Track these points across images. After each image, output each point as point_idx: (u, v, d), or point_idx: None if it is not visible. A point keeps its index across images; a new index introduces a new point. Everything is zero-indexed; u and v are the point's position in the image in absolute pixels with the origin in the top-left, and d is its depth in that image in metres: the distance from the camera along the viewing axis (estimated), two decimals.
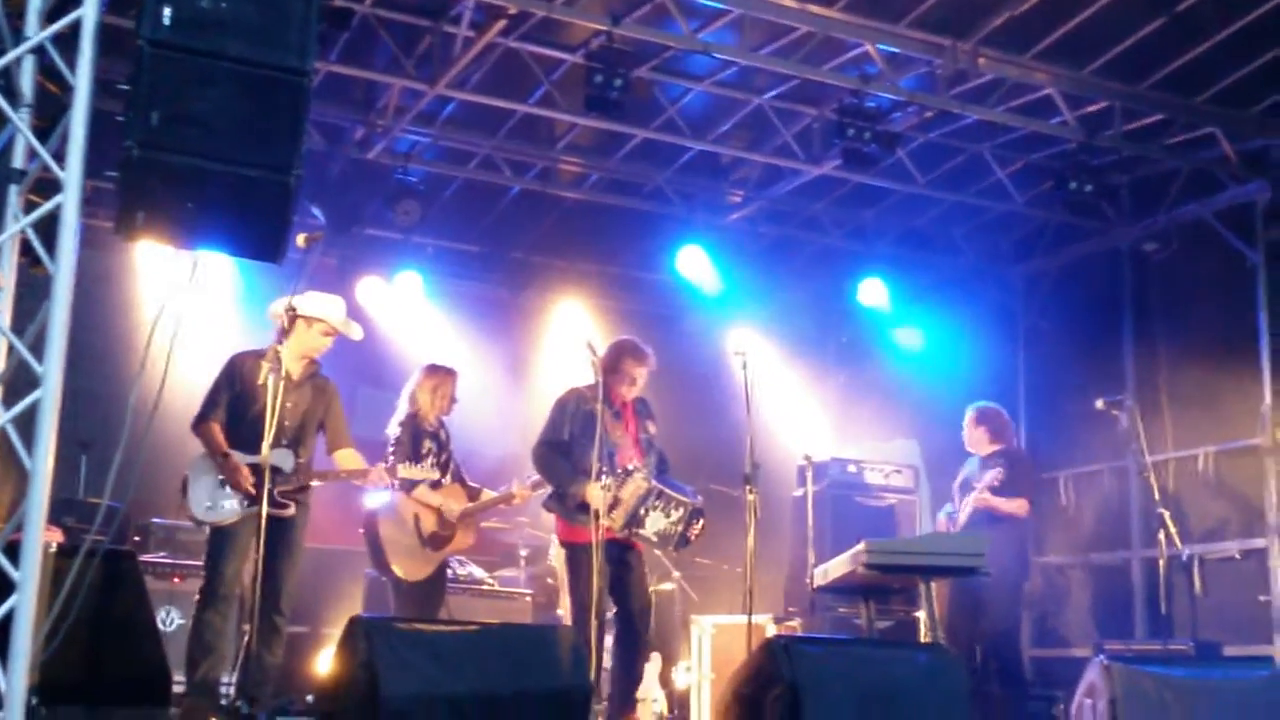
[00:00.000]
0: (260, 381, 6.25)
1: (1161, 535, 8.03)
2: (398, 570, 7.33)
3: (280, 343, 6.40)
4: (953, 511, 8.47)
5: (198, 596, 6.47)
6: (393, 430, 7.51)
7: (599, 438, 6.67)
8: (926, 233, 11.70)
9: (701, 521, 7.03)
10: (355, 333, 6.93)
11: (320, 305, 6.70)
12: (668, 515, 6.95)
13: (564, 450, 6.94)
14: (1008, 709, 8.27)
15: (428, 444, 7.41)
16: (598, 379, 6.93)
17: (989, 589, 7.90)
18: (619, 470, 6.77)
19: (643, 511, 6.87)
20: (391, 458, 7.24)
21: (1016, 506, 8.20)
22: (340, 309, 6.81)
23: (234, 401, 6.59)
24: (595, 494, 6.67)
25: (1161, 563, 8.03)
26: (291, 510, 6.50)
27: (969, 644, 8.16)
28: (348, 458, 6.91)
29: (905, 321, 12.01)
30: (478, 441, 7.58)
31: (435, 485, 7.44)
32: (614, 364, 7.06)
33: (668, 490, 6.99)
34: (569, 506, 7.00)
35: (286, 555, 6.48)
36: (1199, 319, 10.00)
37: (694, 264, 11.24)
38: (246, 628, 6.22)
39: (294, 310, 6.44)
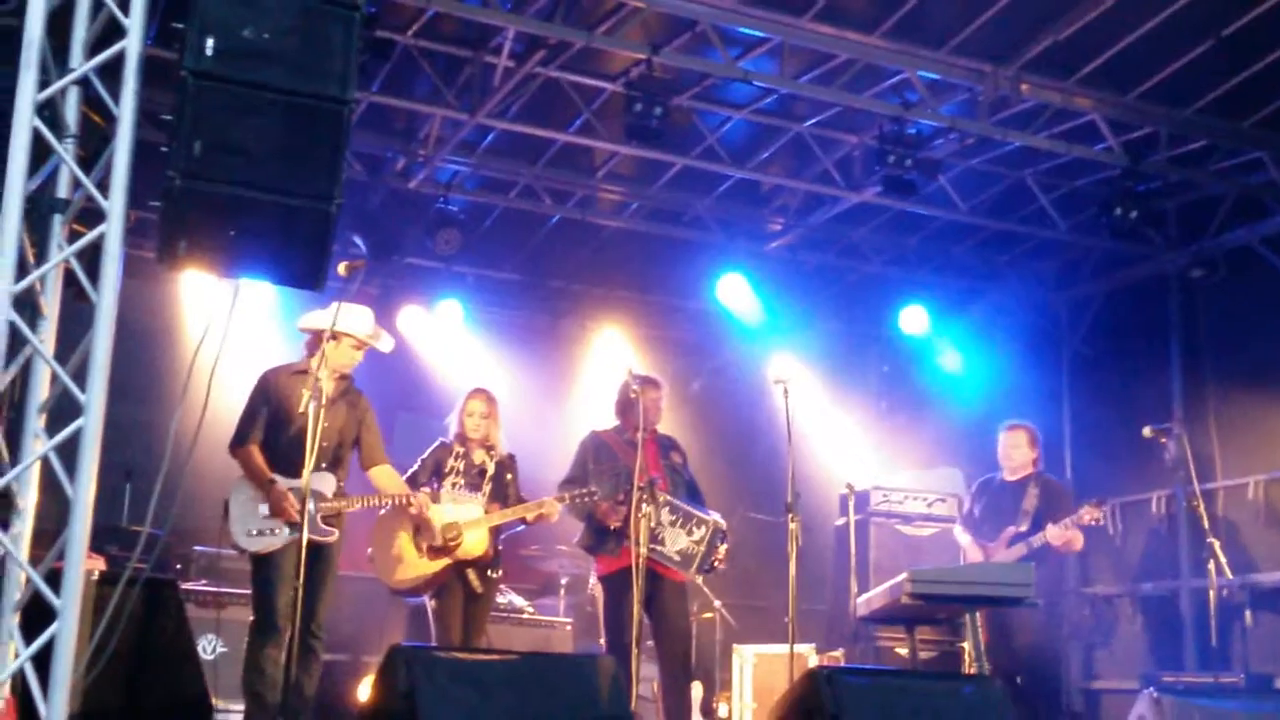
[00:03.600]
0: (301, 409, 6.23)
1: (1211, 565, 7.91)
2: (386, 579, 7.11)
3: (311, 358, 6.44)
4: (980, 535, 8.27)
5: (251, 630, 6.35)
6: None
7: (638, 468, 6.68)
8: (968, 260, 11.64)
9: (725, 545, 7.02)
10: (385, 344, 6.81)
11: (348, 319, 6.55)
12: (689, 534, 6.96)
13: (582, 484, 7.10)
14: None
15: (451, 464, 7.23)
16: (638, 404, 7.02)
17: (1029, 616, 7.80)
18: (642, 487, 6.76)
19: (655, 526, 6.84)
20: (411, 475, 7.14)
21: (1079, 542, 8.07)
22: (368, 321, 6.69)
23: (270, 421, 6.51)
24: (607, 510, 6.79)
25: (1211, 593, 7.90)
26: (336, 535, 6.47)
27: (1008, 671, 8.05)
28: (385, 475, 6.84)
29: (947, 349, 11.93)
30: (521, 466, 7.50)
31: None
32: (626, 400, 7.27)
33: (684, 506, 7.00)
34: (595, 534, 7.09)
35: (325, 580, 6.42)
36: (1247, 345, 9.86)
37: (734, 292, 11.24)
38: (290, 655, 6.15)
39: (322, 329, 6.38)
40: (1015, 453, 8.42)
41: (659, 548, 6.88)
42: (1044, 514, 8.12)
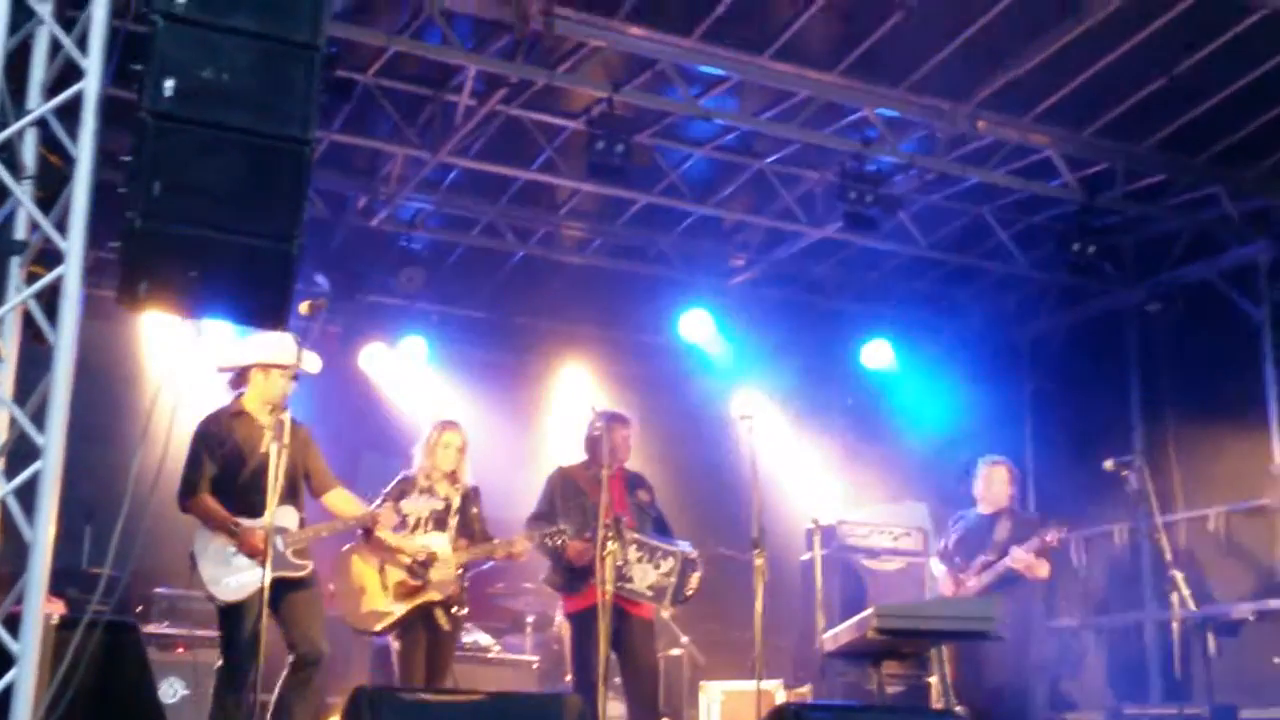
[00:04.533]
0: (262, 449, 6.17)
1: (1174, 597, 7.92)
2: (353, 622, 6.98)
3: (241, 398, 6.40)
4: (953, 566, 8.31)
5: (219, 674, 6.21)
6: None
7: (603, 505, 6.66)
8: (930, 294, 11.72)
9: (697, 574, 7.02)
10: (312, 365, 6.53)
11: (271, 349, 6.36)
12: (657, 567, 6.94)
13: (550, 520, 7.05)
14: None
15: (415, 498, 7.12)
16: (604, 442, 7.02)
17: (998, 648, 7.82)
18: (608, 524, 6.73)
19: (623, 564, 6.81)
20: (379, 504, 6.95)
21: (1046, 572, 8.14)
22: (291, 346, 6.36)
23: (220, 468, 6.35)
24: (578, 548, 6.75)
25: (1175, 625, 7.92)
26: (310, 567, 6.36)
27: (978, 706, 8.05)
28: (340, 498, 6.70)
29: (910, 383, 11.98)
30: (485, 506, 7.45)
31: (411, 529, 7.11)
32: (593, 442, 7.25)
33: (650, 541, 6.99)
34: (562, 573, 7.06)
35: (314, 611, 6.32)
36: (1206, 378, 9.96)
37: (698, 327, 11.29)
38: (265, 696, 6.04)
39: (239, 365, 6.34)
40: (996, 487, 8.47)
41: (628, 585, 6.85)
42: (1013, 543, 8.16)
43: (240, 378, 6.53)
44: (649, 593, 6.93)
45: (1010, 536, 8.18)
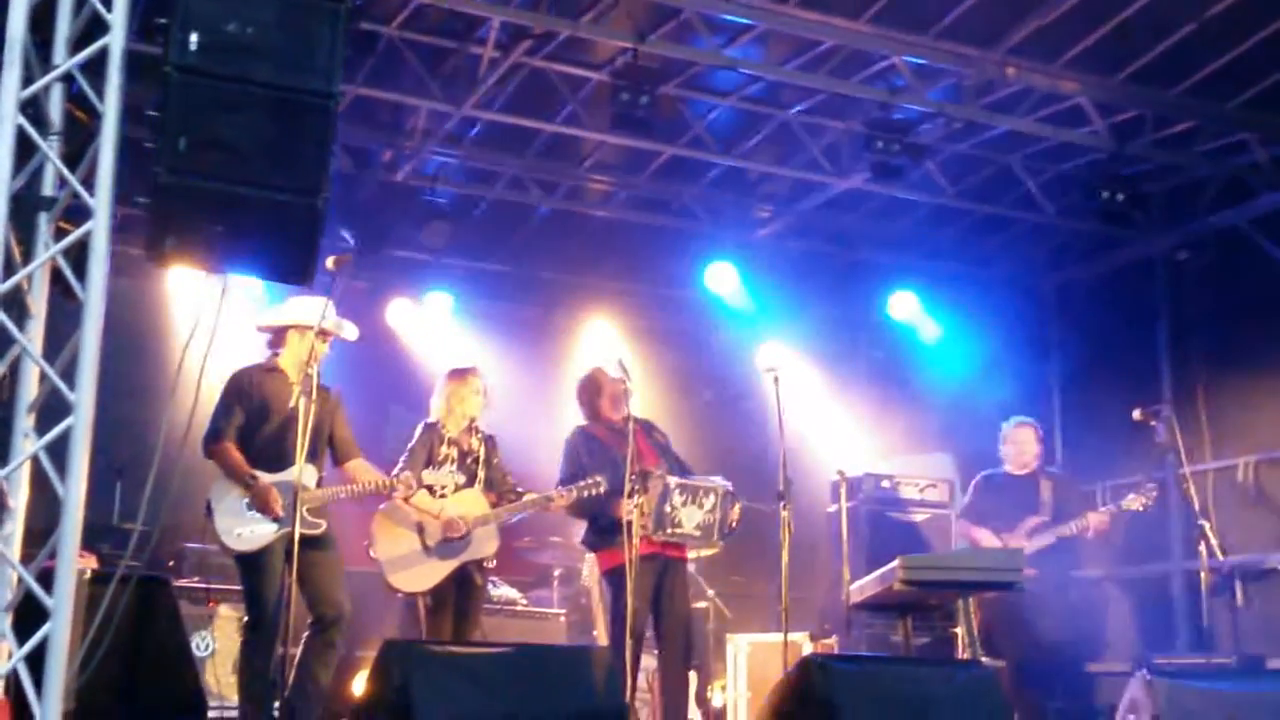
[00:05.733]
0: (291, 404, 6.22)
1: (1202, 547, 7.91)
2: (398, 584, 6.98)
3: (277, 356, 6.49)
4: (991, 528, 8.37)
5: (245, 629, 6.32)
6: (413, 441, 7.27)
7: (630, 456, 6.67)
8: (957, 245, 11.64)
9: (738, 505, 7.05)
10: (350, 332, 6.72)
11: (310, 312, 6.47)
12: (700, 506, 6.95)
13: (584, 478, 7.02)
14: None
15: (444, 451, 7.10)
16: (627, 397, 7.01)
17: (1045, 603, 7.93)
18: (634, 477, 6.74)
19: (669, 509, 6.84)
20: (402, 466, 6.96)
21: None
22: (330, 311, 6.53)
23: (247, 419, 6.46)
24: (626, 506, 6.69)
25: (1203, 575, 7.91)
26: (324, 526, 6.42)
27: (1032, 656, 8.10)
28: (360, 468, 6.77)
29: (936, 334, 11.94)
30: (509, 460, 7.46)
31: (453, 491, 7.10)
32: (593, 398, 7.29)
33: (689, 481, 6.99)
34: (602, 530, 7.04)
35: (326, 567, 6.37)
36: (1235, 327, 9.89)
37: (723, 281, 11.24)
38: (292, 650, 6.10)
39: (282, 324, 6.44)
40: (1026, 448, 8.55)
41: (678, 529, 6.86)
42: (1062, 503, 8.28)
43: (278, 338, 6.63)
44: (697, 533, 6.93)
45: (1055, 497, 8.26)
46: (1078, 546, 8.33)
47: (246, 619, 6.33)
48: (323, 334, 6.49)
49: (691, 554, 7.55)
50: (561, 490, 7.05)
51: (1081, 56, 8.46)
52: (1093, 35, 8.21)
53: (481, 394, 7.26)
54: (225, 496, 6.35)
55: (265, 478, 6.34)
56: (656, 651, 7.19)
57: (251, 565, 6.30)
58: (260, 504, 6.29)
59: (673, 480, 6.91)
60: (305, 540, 6.09)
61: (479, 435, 7.27)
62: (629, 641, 6.55)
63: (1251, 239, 9.76)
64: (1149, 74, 8.65)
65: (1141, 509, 8.20)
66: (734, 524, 7.09)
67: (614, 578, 6.98)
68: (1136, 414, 8.38)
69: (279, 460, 6.36)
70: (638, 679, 7.26)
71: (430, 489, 6.98)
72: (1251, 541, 9.43)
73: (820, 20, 8.04)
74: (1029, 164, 10.11)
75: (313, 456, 6.42)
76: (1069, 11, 7.91)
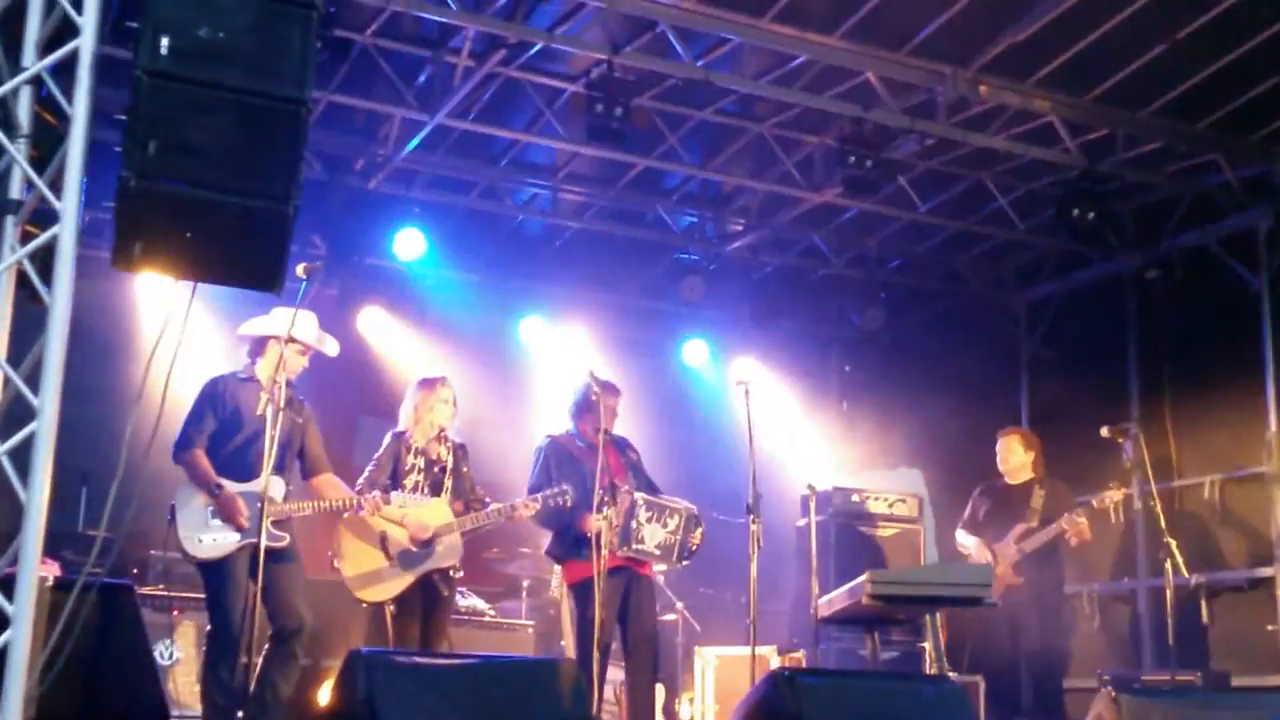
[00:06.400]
0: (259, 411, 6.19)
1: (1168, 564, 7.97)
2: (363, 596, 6.95)
3: (255, 365, 6.48)
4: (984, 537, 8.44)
5: (208, 638, 6.30)
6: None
7: (600, 467, 6.68)
8: (928, 260, 11.69)
9: (700, 529, 7.12)
10: (330, 348, 6.72)
11: (291, 325, 6.42)
12: (664, 525, 7.02)
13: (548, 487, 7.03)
14: None
15: (411, 460, 7.07)
16: (599, 407, 7.00)
17: (1033, 615, 7.96)
18: (603, 490, 6.76)
19: (635, 525, 6.91)
20: (368, 475, 6.96)
21: None
22: (313, 325, 6.58)
23: (218, 428, 6.45)
24: (594, 521, 6.70)
25: (1168, 592, 7.95)
26: (287, 539, 6.39)
27: (1006, 669, 8.14)
28: (329, 483, 6.75)
29: (907, 350, 11.97)
30: (478, 469, 7.43)
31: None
32: (586, 404, 7.25)
33: (656, 500, 7.03)
34: (568, 543, 7.04)
35: (295, 582, 6.36)
36: (1203, 346, 9.95)
37: (695, 294, 11.19)
38: (249, 660, 6.08)
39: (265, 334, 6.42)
40: (1011, 456, 8.67)
41: (640, 546, 6.92)
42: (1051, 512, 8.36)
43: (258, 347, 6.61)
44: (657, 551, 7.00)
45: (1045, 505, 8.33)
46: (1060, 560, 8.34)
47: (209, 628, 6.30)
48: (300, 346, 6.48)
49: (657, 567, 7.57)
50: (527, 500, 7.05)
51: (1053, 75, 8.51)
52: (1064, 54, 8.25)
53: (450, 403, 7.24)
54: (189, 503, 6.33)
55: (232, 487, 6.32)
56: (624, 664, 7.19)
57: (213, 573, 6.28)
58: (224, 513, 6.28)
59: (640, 497, 6.97)
60: (269, 552, 6.06)
61: (448, 444, 7.23)
62: (596, 654, 6.54)
63: (1220, 259, 9.83)
64: (1119, 94, 8.71)
65: (1113, 508, 8.26)
66: (694, 547, 7.15)
67: (579, 590, 7.02)
68: (1104, 431, 8.44)
69: (247, 470, 6.33)
70: (604, 691, 7.25)
71: (400, 485, 6.98)
72: (1217, 559, 9.49)
73: (795, 35, 8.06)
74: (1000, 181, 10.17)
75: (281, 469, 6.42)
76: (1041, 31, 7.95)
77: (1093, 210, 9.26)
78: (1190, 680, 8.28)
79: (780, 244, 11.46)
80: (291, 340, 6.38)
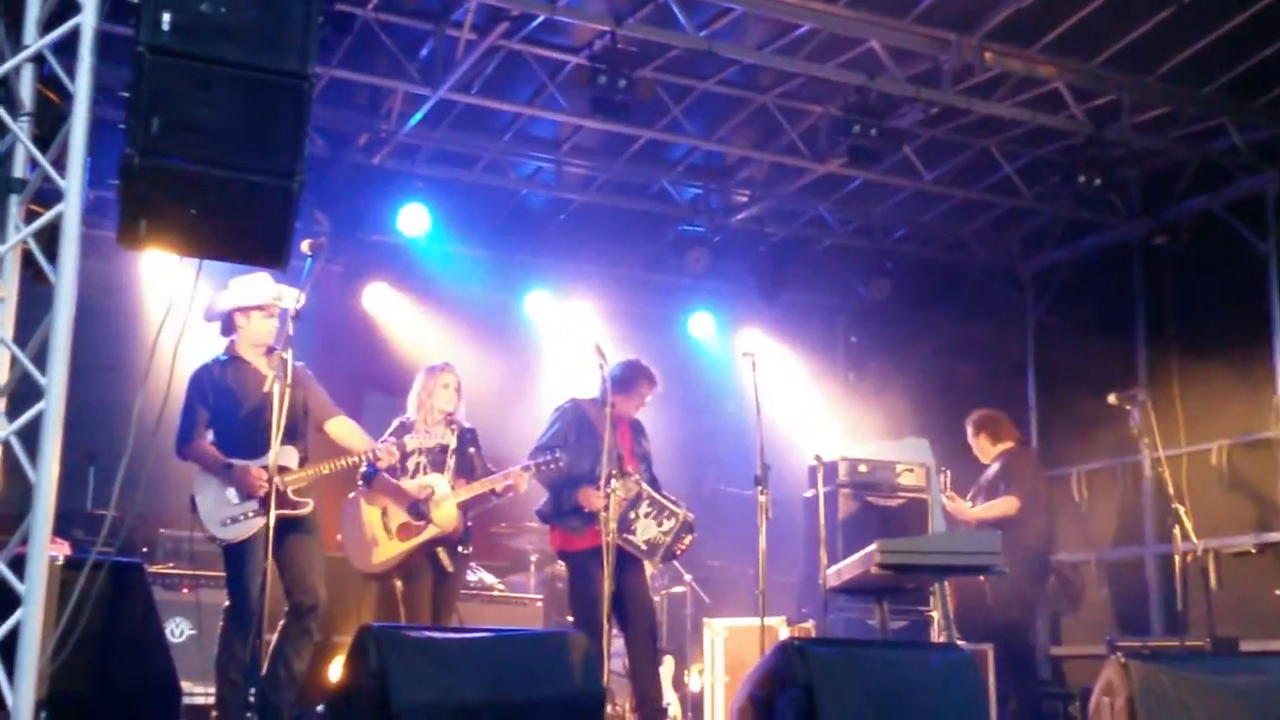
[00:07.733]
0: (266, 388, 6.17)
1: (1176, 530, 7.97)
2: (359, 565, 7.06)
3: (234, 343, 6.49)
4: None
5: (226, 615, 6.30)
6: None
7: (607, 445, 6.67)
8: (934, 229, 11.65)
9: (690, 537, 7.17)
10: (289, 299, 6.46)
11: (246, 292, 6.45)
12: (659, 524, 7.05)
13: (553, 451, 7.03)
14: (1024, 708, 8.25)
15: (414, 444, 7.07)
16: (605, 382, 6.99)
17: (998, 585, 8.01)
18: (613, 467, 6.77)
19: (633, 516, 6.95)
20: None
21: (1005, 507, 8.40)
22: (266, 284, 6.45)
23: (215, 414, 6.43)
24: (592, 496, 6.72)
25: (1176, 558, 7.97)
26: (310, 505, 6.40)
27: (983, 639, 8.17)
28: (342, 425, 6.72)
29: (914, 319, 11.96)
30: (484, 443, 7.44)
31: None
32: (629, 384, 7.26)
33: (660, 497, 7.04)
34: (564, 510, 7.05)
35: (313, 558, 6.36)
36: (1211, 312, 9.93)
37: (701, 265, 11.17)
38: (268, 637, 6.10)
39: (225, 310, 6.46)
40: (972, 443, 8.95)
41: (629, 536, 6.95)
42: (991, 486, 8.60)
43: (227, 324, 6.58)
44: (643, 546, 7.05)
45: (991, 480, 8.67)
46: (1018, 533, 8.33)
47: (227, 605, 6.32)
48: (263, 311, 6.46)
49: None
50: (518, 468, 7.07)
51: (1058, 41, 8.46)
52: (1069, 20, 8.20)
53: (452, 388, 7.27)
54: (208, 488, 6.34)
55: (240, 464, 6.31)
56: (622, 635, 7.19)
57: (237, 554, 6.27)
58: (245, 488, 6.26)
59: (647, 491, 7.01)
60: (290, 522, 6.11)
61: (454, 428, 7.27)
62: (605, 625, 6.55)
63: (1228, 224, 9.79)
64: (1125, 59, 8.66)
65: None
66: (679, 552, 7.23)
67: (571, 560, 7.14)
68: (1112, 398, 8.44)
69: (256, 446, 6.31)
70: (610, 663, 7.28)
71: (404, 460, 7.00)
72: (1225, 525, 9.49)
73: (798, 4, 8.02)
74: (1006, 149, 10.12)
75: (291, 437, 6.39)
76: None
77: (1099, 177, 9.22)
78: (1199, 646, 8.29)
79: (785, 215, 11.43)
80: (252, 309, 6.42)
